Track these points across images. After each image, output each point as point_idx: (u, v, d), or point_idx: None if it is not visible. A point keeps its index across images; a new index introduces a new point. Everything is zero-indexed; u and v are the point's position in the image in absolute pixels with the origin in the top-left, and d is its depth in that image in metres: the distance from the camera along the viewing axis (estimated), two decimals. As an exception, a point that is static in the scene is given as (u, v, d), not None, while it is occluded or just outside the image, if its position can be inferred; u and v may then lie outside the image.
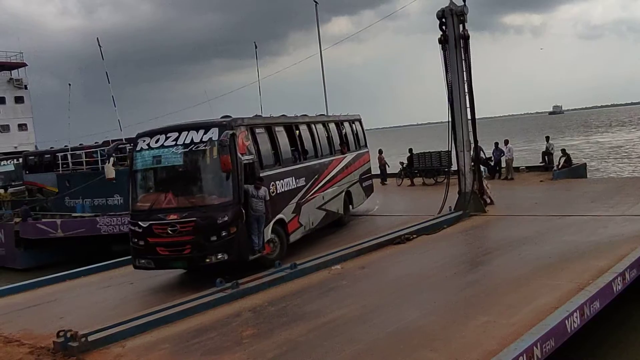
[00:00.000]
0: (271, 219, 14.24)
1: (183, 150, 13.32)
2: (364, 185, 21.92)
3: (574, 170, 28.23)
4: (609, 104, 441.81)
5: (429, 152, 29.94)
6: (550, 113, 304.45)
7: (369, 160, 22.95)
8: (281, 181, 15.30)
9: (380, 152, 31.58)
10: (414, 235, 16.44)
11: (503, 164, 28.84)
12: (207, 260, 12.85)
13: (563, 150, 29.38)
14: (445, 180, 22.25)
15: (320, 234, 18.07)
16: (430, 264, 13.67)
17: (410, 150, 30.82)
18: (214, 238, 12.75)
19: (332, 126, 20.02)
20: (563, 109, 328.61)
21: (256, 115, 16.40)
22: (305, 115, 19.18)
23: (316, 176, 17.56)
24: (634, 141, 73.70)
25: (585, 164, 33.27)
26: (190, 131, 13.46)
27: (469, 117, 19.53)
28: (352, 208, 20.68)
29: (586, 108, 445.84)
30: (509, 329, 8.81)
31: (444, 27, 19.35)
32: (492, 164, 28.90)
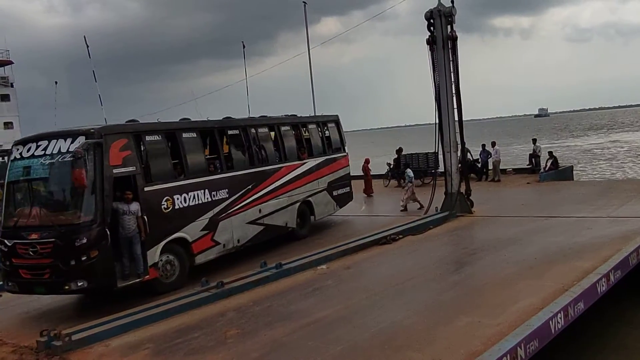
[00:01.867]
0: (163, 238, 12.94)
1: (49, 161, 11.95)
2: (335, 193, 19.99)
3: (560, 173, 28.39)
4: (597, 107, 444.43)
5: (416, 153, 29.95)
6: (536, 116, 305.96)
7: (347, 166, 20.94)
8: (183, 195, 13.59)
9: (367, 161, 29.41)
10: (400, 236, 16.45)
11: (490, 166, 28.91)
12: (66, 287, 11.48)
13: (550, 153, 29.52)
14: (432, 181, 22.28)
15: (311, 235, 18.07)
16: (416, 265, 13.69)
17: (398, 151, 30.71)
18: (72, 262, 11.34)
19: (285, 129, 18.12)
20: (549, 111, 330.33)
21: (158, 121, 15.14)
22: (253, 117, 18.44)
23: (248, 187, 15.75)
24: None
25: (572, 166, 33.52)
26: (59, 139, 12.03)
27: (456, 118, 19.56)
28: (314, 219, 18.97)
29: (573, 111, 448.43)
30: (493, 329, 8.81)
31: (432, 28, 19.34)
32: (480, 165, 28.98)
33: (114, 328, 10.18)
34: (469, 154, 24.73)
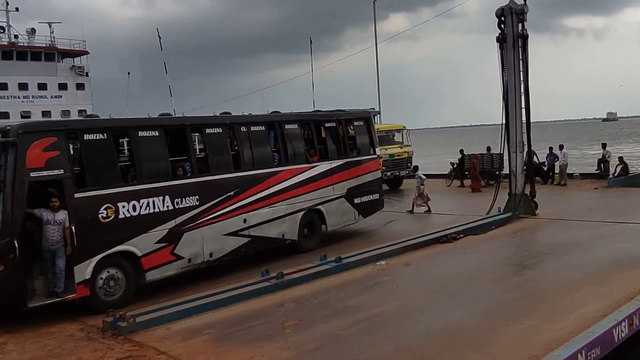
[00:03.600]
0: (99, 252, 11.46)
1: None
2: (357, 201, 17.68)
3: (630, 179, 27.41)
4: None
5: (481, 153, 29.61)
6: (604, 120, 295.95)
7: (376, 170, 18.65)
8: (132, 202, 11.99)
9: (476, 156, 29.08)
10: (461, 235, 16.30)
11: (557, 170, 28.27)
12: None
13: (620, 158, 28.56)
14: (496, 182, 21.94)
15: (360, 231, 18.02)
16: (476, 265, 13.54)
17: (461, 151, 30.61)
18: None
19: (289, 128, 16.06)
20: (618, 115, 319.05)
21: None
22: (248, 115, 17.07)
23: (229, 193, 13.92)
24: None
25: (644, 172, 32.34)
26: None
27: (524, 118, 19.20)
28: (326, 230, 16.90)
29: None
30: (553, 334, 8.67)
31: (502, 26, 19.04)
32: (546, 168, 28.39)
33: (176, 312, 10.47)
34: (535, 156, 24.25)
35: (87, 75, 51.92)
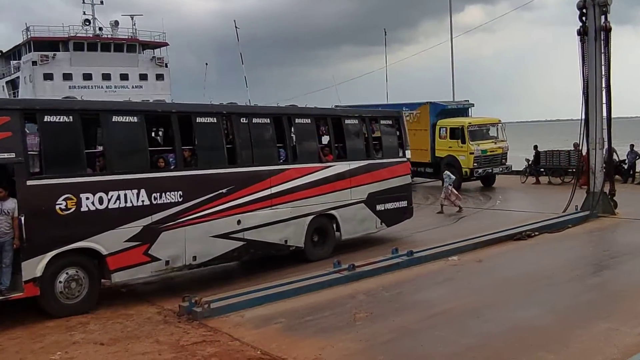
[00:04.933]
0: (54, 247, 10.32)
1: None
2: (381, 207, 16.07)
3: None
4: None
5: (557, 150, 28.91)
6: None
7: (406, 174, 16.97)
8: (98, 194, 10.80)
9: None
10: (536, 233, 15.95)
11: (638, 168, 27.22)
12: None
13: None
14: (573, 180, 21.34)
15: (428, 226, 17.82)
16: (551, 263, 13.22)
17: (535, 147, 29.83)
18: None
19: (300, 123, 14.62)
20: None
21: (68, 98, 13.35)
22: (250, 105, 16.33)
23: (221, 191, 12.57)
24: None
25: None
26: None
27: (605, 114, 18.59)
28: (341, 237, 15.36)
29: None
30: (633, 338, 8.42)
31: (584, 18, 18.50)
32: (626, 167, 27.36)
33: (249, 300, 10.66)
34: (615, 153, 23.43)
35: (166, 66, 53.41)
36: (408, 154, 17.15)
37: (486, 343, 8.59)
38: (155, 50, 54.12)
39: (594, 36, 18.33)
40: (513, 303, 10.47)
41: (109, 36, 51.11)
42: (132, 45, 51.79)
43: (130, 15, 52.70)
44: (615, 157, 24.29)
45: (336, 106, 32.60)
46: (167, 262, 11.77)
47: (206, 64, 42.62)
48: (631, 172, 27.37)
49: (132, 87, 50.68)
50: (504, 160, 28.17)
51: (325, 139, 15.56)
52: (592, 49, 18.38)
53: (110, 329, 9.83)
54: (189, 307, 10.25)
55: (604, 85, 18.39)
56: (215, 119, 12.96)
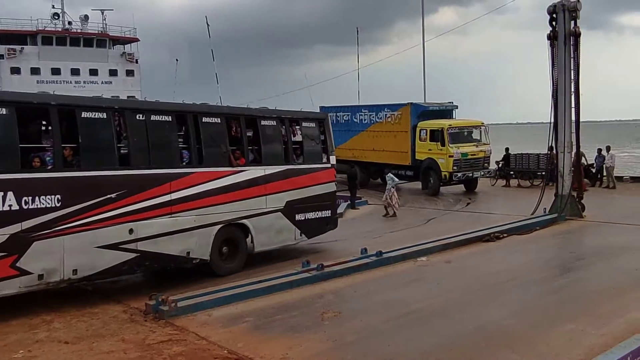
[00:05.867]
0: None
1: None
2: (300, 217, 14.73)
3: (684, 184, 26.75)
4: None
5: (527, 153, 29.20)
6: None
7: (329, 181, 15.71)
8: None
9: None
10: (504, 234, 16.07)
11: (604, 172, 27.62)
12: None
13: (673, 161, 27.86)
14: (542, 183, 21.59)
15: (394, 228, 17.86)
16: (519, 265, 13.37)
17: (507, 149, 30.14)
18: None
19: (208, 122, 13.15)
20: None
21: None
22: (149, 101, 15.26)
23: (110, 195, 11.19)
24: None
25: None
26: None
27: (573, 118, 18.82)
28: (254, 249, 13.87)
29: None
30: (597, 339, 8.49)
31: (554, 23, 18.74)
32: (594, 170, 27.78)
33: (217, 299, 10.56)
34: (583, 157, 23.75)
35: (136, 62, 53.00)
36: (333, 159, 15.96)
37: (453, 343, 8.61)
38: (125, 45, 53.63)
39: (564, 41, 18.55)
40: (480, 303, 10.52)
41: (78, 31, 50.56)
42: (101, 40, 51.24)
43: (101, 9, 52.27)
44: (583, 160, 24.64)
45: (321, 107, 32.71)
46: (40, 276, 10.36)
47: (177, 60, 42.47)
48: (599, 176, 27.79)
49: (102, 82, 50.17)
50: (486, 165, 27.30)
51: (246, 141, 13.95)
52: (561, 53, 18.61)
53: (75, 328, 9.68)
54: (155, 305, 10.12)
55: (572, 90, 18.62)
56: (105, 114, 11.55)
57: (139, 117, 12.01)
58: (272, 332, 9.27)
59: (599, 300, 10.50)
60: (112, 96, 48.04)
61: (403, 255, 13.74)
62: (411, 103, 28.12)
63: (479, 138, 27.41)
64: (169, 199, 12.08)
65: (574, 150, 19.28)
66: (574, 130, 18.93)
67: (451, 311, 10.09)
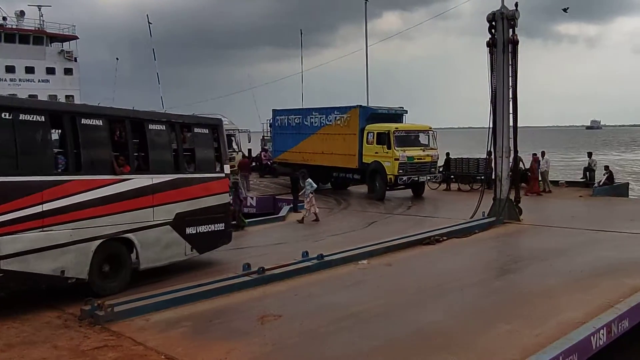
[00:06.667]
0: None
1: None
2: (192, 231, 13.47)
3: (615, 189, 27.71)
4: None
5: (467, 158, 29.73)
6: (588, 127, 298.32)
7: (223, 192, 14.59)
8: None
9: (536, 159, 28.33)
10: (444, 238, 16.33)
11: (539, 176, 28.30)
12: None
13: (606, 167, 28.82)
14: (481, 187, 22.03)
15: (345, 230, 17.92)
16: (458, 268, 13.56)
17: (447, 154, 30.63)
18: None
19: (87, 124, 11.61)
20: (603, 124, 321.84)
21: None
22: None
23: None
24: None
25: (628, 183, 32.66)
26: None
27: (511, 123, 19.26)
28: (140, 266, 12.39)
29: (634, 125, 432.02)
30: (531, 339, 8.66)
31: (493, 31, 19.16)
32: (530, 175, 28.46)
33: (155, 303, 10.37)
34: (521, 162, 24.31)
35: (75, 60, 51.76)
36: (227, 169, 14.99)
37: (392, 345, 8.66)
38: (64, 43, 52.27)
39: (502, 48, 18.98)
40: (420, 306, 10.62)
41: (14, 27, 49.06)
42: (38, 37, 49.88)
43: (37, 5, 50.80)
44: (521, 165, 25.25)
45: (273, 110, 32.53)
46: None
47: (117, 58, 41.62)
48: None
49: (39, 81, 48.85)
50: (432, 169, 27.33)
51: (132, 147, 12.64)
52: (500, 60, 19.04)
53: (4, 334, 9.32)
54: (91, 310, 9.86)
55: (510, 96, 19.05)
56: None
57: (5, 115, 10.35)
58: (210, 337, 9.15)
59: (534, 301, 10.73)
60: (49, 95, 47.31)
61: (344, 258, 13.79)
62: (360, 106, 27.98)
63: (426, 142, 27.36)
64: (41, 210, 10.58)
65: (512, 155, 19.73)
66: (511, 135, 19.36)
67: (391, 314, 10.16)
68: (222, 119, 33.51)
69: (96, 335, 9.22)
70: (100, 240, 11.52)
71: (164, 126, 13.35)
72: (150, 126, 13.03)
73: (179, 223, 13.17)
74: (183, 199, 13.29)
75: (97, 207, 11.47)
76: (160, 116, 14.06)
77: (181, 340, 8.98)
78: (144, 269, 12.49)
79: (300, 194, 22.27)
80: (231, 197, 19.47)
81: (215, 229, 14.15)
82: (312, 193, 21.18)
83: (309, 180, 21.71)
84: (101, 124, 11.94)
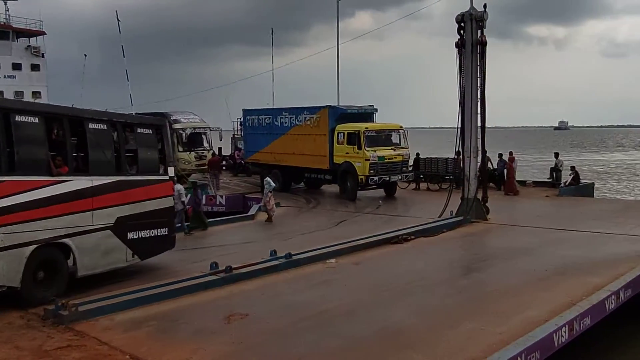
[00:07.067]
0: None
1: None
2: (133, 236, 12.75)
3: (581, 189, 28.09)
4: (625, 125, 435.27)
5: (436, 157, 29.90)
6: (556, 128, 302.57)
7: (167, 195, 13.95)
8: None
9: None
10: (412, 237, 16.42)
11: (506, 176, 28.53)
12: None
13: (572, 167, 29.23)
14: (450, 186, 22.21)
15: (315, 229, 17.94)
16: (425, 266, 13.67)
17: (417, 154, 30.77)
18: None
19: (20, 121, 10.82)
20: (570, 125, 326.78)
21: None
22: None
23: None
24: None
25: (593, 183, 33.19)
26: None
27: (479, 123, 19.45)
28: (77, 273, 11.65)
29: (601, 126, 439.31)
30: (495, 337, 8.77)
31: (462, 32, 19.30)
32: (498, 175, 28.72)
33: (120, 303, 10.29)
34: (489, 162, 24.52)
35: (42, 56, 50.94)
36: (171, 171, 14.36)
37: (358, 344, 8.71)
38: (31, 39, 51.35)
39: (471, 49, 19.14)
40: (386, 305, 10.68)
41: (-21, 21, 48.17)
42: (4, 32, 48.97)
43: (4, 0, 49.90)
44: (489, 165, 25.49)
45: (244, 110, 32.25)
46: None
47: (85, 55, 41.14)
48: (502, 180, 28.75)
49: (5, 77, 47.99)
50: (404, 168, 26.90)
51: (70, 147, 11.88)
52: (468, 61, 19.20)
53: (-35, 336, 9.16)
54: (55, 310, 9.77)
55: (479, 96, 19.24)
56: None
57: None
58: (176, 336, 9.11)
59: (498, 299, 10.87)
60: (15, 92, 46.51)
61: (312, 257, 13.80)
62: (329, 106, 27.66)
63: (397, 142, 27.07)
64: None
65: (480, 155, 19.93)
66: (480, 135, 19.54)
67: (358, 312, 10.21)
68: (194, 116, 33.71)
69: (60, 335, 9.13)
70: (35, 246, 10.81)
71: (105, 125, 12.60)
72: (91, 125, 12.28)
73: (120, 228, 12.47)
74: (125, 203, 12.60)
75: (31, 210, 10.78)
76: (101, 115, 13.19)
77: (146, 340, 8.93)
78: (82, 276, 11.77)
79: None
80: (188, 197, 19.58)
81: (159, 234, 13.52)
82: (270, 192, 21.09)
83: (267, 179, 21.67)
84: (37, 121, 11.17)
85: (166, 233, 13.74)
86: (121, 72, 34.23)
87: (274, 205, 21.11)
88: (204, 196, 23.24)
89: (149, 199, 13.27)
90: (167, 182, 14.03)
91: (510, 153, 28.41)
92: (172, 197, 14.37)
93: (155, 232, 13.38)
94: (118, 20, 33.06)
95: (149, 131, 13.91)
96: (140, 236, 12.95)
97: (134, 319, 9.84)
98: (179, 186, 18.83)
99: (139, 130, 13.61)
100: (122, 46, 33.23)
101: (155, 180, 13.57)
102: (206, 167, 31.33)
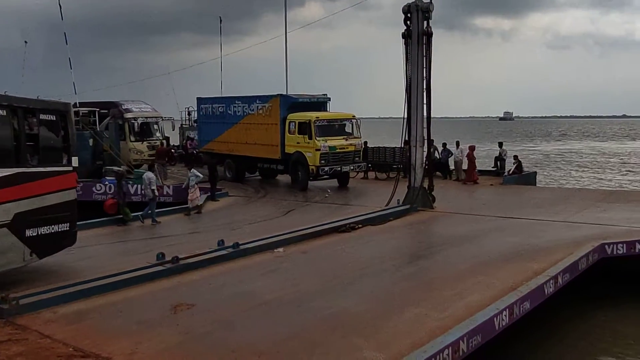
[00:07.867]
0: None
1: None
2: (32, 233, 11.42)
3: (524, 177, 28.76)
4: (567, 115, 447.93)
5: (384, 147, 30.10)
6: (501, 119, 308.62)
7: (70, 188, 12.57)
8: None
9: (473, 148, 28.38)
10: (359, 225, 16.57)
11: (452, 166, 29.01)
12: None
13: (515, 157, 29.91)
14: (397, 175, 22.45)
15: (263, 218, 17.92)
16: (372, 254, 13.81)
17: (365, 143, 30.90)
18: None
19: None
20: (515, 115, 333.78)
21: None
22: None
23: None
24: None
25: (536, 172, 33.97)
26: None
27: (425, 113, 19.71)
28: None
29: (544, 117, 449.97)
30: (439, 322, 8.98)
31: (408, 22, 19.46)
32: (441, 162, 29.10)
33: (63, 295, 10.12)
34: (435, 151, 24.81)
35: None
36: (75, 161, 12.82)
37: (304, 331, 8.80)
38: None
39: (417, 40, 19.35)
40: (333, 292, 10.78)
41: None
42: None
43: None
44: (436, 154, 25.83)
45: (197, 98, 31.66)
46: None
47: (25, 42, 39.78)
48: (449, 169, 29.23)
49: None
50: (357, 159, 26.50)
51: None
52: (414, 51, 19.40)
53: None
54: (-6, 303, 9.52)
55: (424, 87, 19.47)
56: None
57: None
58: (121, 328, 9.02)
59: (442, 285, 11.10)
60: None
61: (260, 247, 13.83)
62: (281, 95, 27.39)
63: (350, 131, 26.67)
64: None
65: (426, 144, 20.21)
66: (426, 125, 19.81)
67: (304, 300, 10.29)
68: (145, 105, 33.16)
69: None
70: None
71: (3, 111, 11.17)
72: None
73: (18, 224, 11.13)
74: (24, 197, 11.28)
75: None
76: None
77: (90, 332, 8.82)
78: None
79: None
80: (115, 189, 19.55)
81: (59, 230, 12.21)
82: (196, 184, 20.98)
83: (193, 170, 21.52)
84: None
85: (67, 229, 12.44)
86: (64, 59, 33.30)
87: (199, 196, 21.13)
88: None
89: (51, 192, 11.99)
90: (71, 173, 12.66)
91: (473, 147, 28.78)
92: (74, 190, 12.89)
93: (56, 228, 12.11)
94: (60, 6, 32.18)
95: (53, 117, 12.42)
96: (40, 233, 11.69)
97: (77, 311, 9.71)
98: (149, 174, 19.46)
99: (42, 116, 12.12)
100: (65, 33, 32.32)
101: (58, 172, 12.25)
102: (154, 157, 30.88)
